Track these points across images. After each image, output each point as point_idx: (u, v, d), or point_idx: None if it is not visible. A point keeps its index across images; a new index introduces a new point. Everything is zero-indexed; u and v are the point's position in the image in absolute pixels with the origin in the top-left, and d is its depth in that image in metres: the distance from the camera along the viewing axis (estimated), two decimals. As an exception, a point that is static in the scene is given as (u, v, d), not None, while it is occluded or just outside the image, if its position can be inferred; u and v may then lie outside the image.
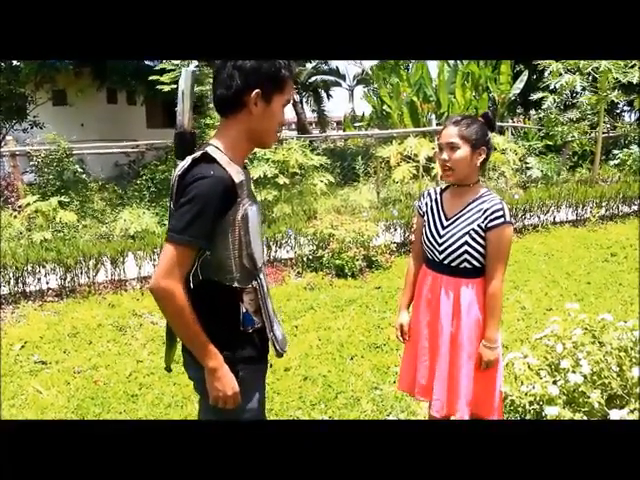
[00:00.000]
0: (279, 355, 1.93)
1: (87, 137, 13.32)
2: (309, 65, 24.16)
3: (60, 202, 7.92)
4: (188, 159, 1.69)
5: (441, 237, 2.41)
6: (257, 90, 1.69)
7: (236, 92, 1.69)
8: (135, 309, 5.40)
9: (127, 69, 15.68)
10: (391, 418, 3.38)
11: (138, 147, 11.33)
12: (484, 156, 2.37)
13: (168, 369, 2.07)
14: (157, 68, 8.83)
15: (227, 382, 1.72)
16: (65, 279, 5.91)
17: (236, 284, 1.75)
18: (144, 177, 9.73)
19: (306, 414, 3.48)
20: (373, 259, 6.49)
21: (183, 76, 1.88)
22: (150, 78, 9.11)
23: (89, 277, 5.99)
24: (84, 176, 9.18)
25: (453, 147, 2.33)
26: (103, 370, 4.22)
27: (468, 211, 2.37)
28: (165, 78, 8.70)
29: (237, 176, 1.69)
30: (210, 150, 1.69)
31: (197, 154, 1.69)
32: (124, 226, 7.67)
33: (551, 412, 2.30)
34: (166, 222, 7.62)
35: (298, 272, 6.43)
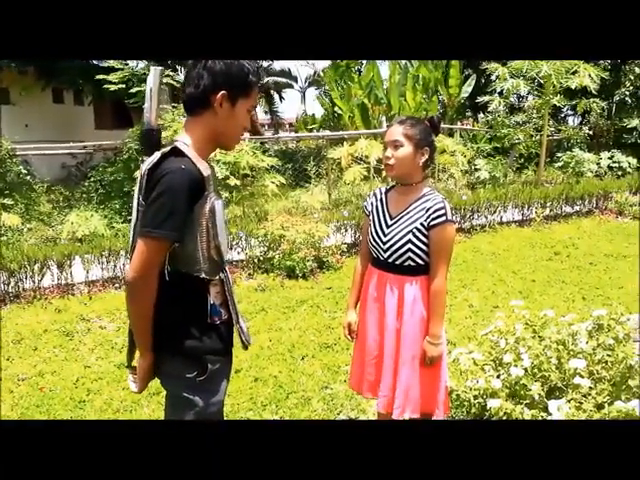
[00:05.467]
0: (245, 347, 2.00)
1: (32, 138, 12.90)
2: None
3: (3, 205, 7.69)
4: (157, 154, 1.73)
5: (385, 236, 2.45)
6: (223, 91, 1.73)
7: (203, 91, 1.74)
8: (83, 314, 5.29)
9: (74, 68, 15.28)
10: (341, 416, 3.42)
11: (86, 148, 11.10)
12: (427, 156, 2.42)
13: (130, 367, 2.06)
14: (105, 65, 8.67)
15: (143, 379, 1.87)
16: (8, 284, 5.72)
17: (204, 275, 1.78)
18: (92, 179, 9.53)
19: (257, 415, 3.48)
20: (324, 260, 6.53)
21: (151, 74, 1.94)
22: (98, 77, 8.89)
23: (34, 282, 5.83)
24: (29, 178, 8.92)
25: (397, 145, 2.39)
26: (49, 377, 4.11)
27: (411, 210, 2.42)
28: (113, 77, 8.52)
29: (205, 170, 1.73)
30: (179, 145, 1.74)
31: (166, 149, 1.72)
32: (71, 229, 7.49)
33: (493, 404, 2.37)
34: (115, 224, 7.46)
35: (249, 274, 6.42)
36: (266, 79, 24.97)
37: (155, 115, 1.94)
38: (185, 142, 1.77)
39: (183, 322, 1.78)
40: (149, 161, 1.75)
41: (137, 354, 1.89)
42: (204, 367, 1.79)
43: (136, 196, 1.82)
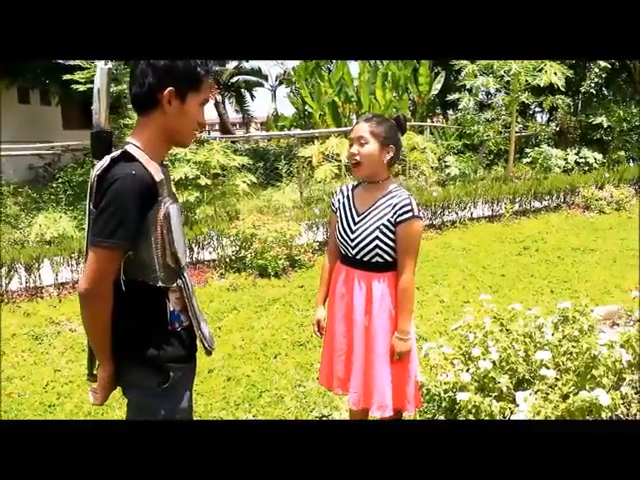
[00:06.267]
0: (208, 353, 1.94)
1: (-3, 139, 12.65)
2: (230, 65, 23.97)
3: (-32, 207, 7.54)
4: (107, 158, 1.65)
5: (353, 232, 2.46)
6: (170, 88, 1.66)
7: (149, 90, 1.67)
8: (52, 317, 5.21)
9: (39, 67, 14.97)
10: (315, 414, 3.43)
11: (53, 149, 10.91)
12: (392, 154, 2.45)
13: (90, 374, 2.03)
14: (71, 64, 8.49)
15: (104, 389, 1.82)
16: (-26, 288, 5.61)
17: (160, 283, 1.73)
18: (60, 180, 9.37)
19: (230, 414, 3.47)
20: (296, 258, 6.52)
21: (98, 74, 1.82)
22: (65, 77, 8.72)
23: (1, 285, 5.72)
24: (-6, 180, 8.75)
25: (362, 142, 2.41)
26: (18, 381, 4.05)
27: (378, 206, 2.44)
28: (79, 76, 8.36)
29: (157, 175, 1.67)
30: (129, 148, 1.67)
31: (116, 153, 1.65)
32: (40, 231, 7.37)
33: (462, 397, 2.40)
34: (84, 226, 7.35)
35: (221, 273, 6.38)
36: (236, 78, 24.89)
37: (105, 116, 1.84)
38: (136, 144, 1.70)
39: (143, 331, 1.74)
40: (99, 166, 1.66)
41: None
42: (166, 375, 1.75)
43: (87, 203, 1.75)
